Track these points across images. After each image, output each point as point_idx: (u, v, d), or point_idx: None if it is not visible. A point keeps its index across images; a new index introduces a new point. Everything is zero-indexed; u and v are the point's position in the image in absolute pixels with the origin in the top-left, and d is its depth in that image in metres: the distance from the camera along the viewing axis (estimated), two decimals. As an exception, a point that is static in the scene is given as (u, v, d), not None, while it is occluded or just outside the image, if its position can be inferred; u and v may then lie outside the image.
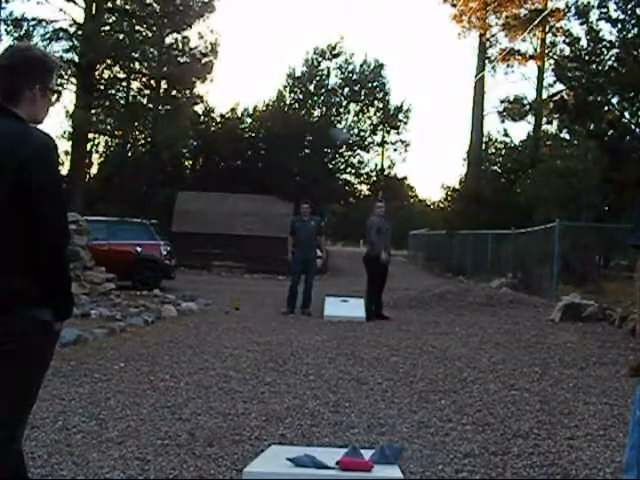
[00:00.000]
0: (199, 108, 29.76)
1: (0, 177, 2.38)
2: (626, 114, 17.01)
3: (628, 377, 2.70)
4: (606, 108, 17.26)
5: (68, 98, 24.66)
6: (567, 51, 18.68)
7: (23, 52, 2.60)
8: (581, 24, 17.40)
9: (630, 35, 16.20)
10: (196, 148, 30.15)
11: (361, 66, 32.79)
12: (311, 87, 31.93)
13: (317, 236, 11.40)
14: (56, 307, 2.50)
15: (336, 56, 32.34)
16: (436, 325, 9.92)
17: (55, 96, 2.74)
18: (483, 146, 30.11)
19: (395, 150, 34.98)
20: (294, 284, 11.03)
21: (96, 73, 24.52)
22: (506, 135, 28.62)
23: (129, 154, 30.27)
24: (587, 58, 17.11)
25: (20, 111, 2.52)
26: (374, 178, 34.24)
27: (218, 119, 30.66)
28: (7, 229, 2.41)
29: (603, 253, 16.20)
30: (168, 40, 26.67)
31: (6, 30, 21.05)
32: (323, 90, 32.15)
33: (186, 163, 31.38)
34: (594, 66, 16.98)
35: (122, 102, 27.95)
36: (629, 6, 16.03)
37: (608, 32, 17.22)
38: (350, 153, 32.64)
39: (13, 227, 2.40)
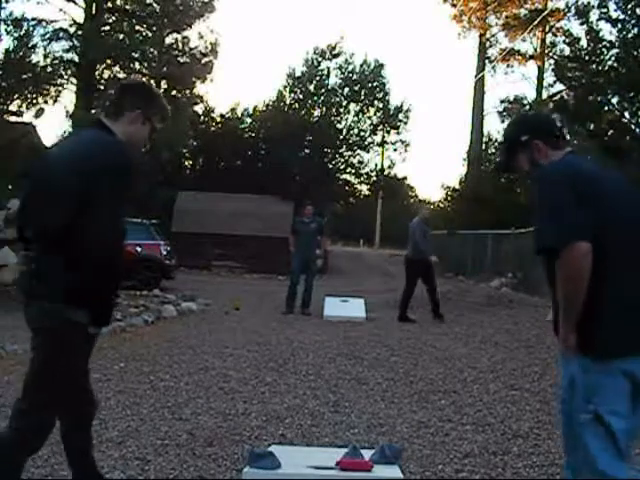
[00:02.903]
0: (199, 108, 29.72)
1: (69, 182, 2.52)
2: (626, 114, 17.01)
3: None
4: (606, 108, 17.25)
5: (68, 98, 24.70)
6: (567, 51, 18.67)
7: (138, 80, 2.99)
8: (581, 24, 17.39)
9: (630, 35, 16.19)
10: (196, 148, 30.12)
11: (361, 66, 32.76)
12: (311, 87, 31.89)
13: (319, 236, 11.45)
14: (94, 312, 2.63)
15: (336, 56, 32.31)
16: (436, 325, 9.92)
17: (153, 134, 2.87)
18: (483, 146, 30.11)
19: (395, 150, 34.93)
20: (293, 284, 11.06)
21: (96, 73, 24.52)
22: (506, 135, 28.62)
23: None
24: (587, 58, 17.11)
25: (115, 127, 2.71)
26: (374, 178, 34.21)
27: (218, 119, 30.63)
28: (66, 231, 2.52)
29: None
30: (168, 40, 26.66)
31: (6, 30, 21.00)
32: (323, 90, 32.12)
33: (186, 163, 31.35)
34: (594, 66, 16.97)
35: (122, 102, 27.96)
36: (629, 6, 16.03)
37: (608, 32, 17.22)
38: (350, 153, 32.62)
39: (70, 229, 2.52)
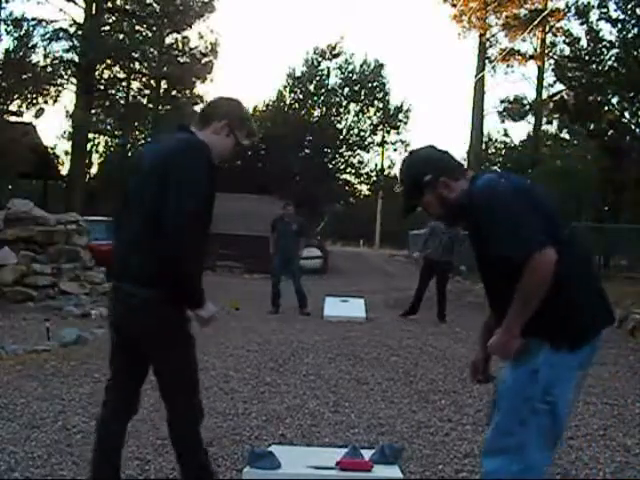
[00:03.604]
0: (199, 108, 29.73)
1: (151, 179, 2.66)
2: (626, 114, 17.03)
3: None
4: (606, 108, 17.27)
5: (68, 98, 24.74)
6: (567, 51, 18.72)
7: (232, 97, 2.99)
8: (581, 24, 17.42)
9: (630, 35, 16.21)
10: (196, 148, 30.16)
11: (361, 66, 32.81)
12: (311, 87, 31.93)
13: (300, 238, 11.46)
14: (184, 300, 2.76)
15: (336, 56, 32.35)
16: (436, 325, 9.92)
17: (237, 148, 2.95)
18: (483, 146, 30.12)
19: (395, 150, 35.01)
20: (275, 284, 11.11)
21: (96, 73, 24.53)
22: (506, 135, 28.74)
23: (129, 154, 30.27)
24: (587, 58, 17.13)
25: (201, 135, 2.81)
26: (374, 178, 34.25)
27: (218, 119, 30.66)
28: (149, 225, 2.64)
29: (603, 253, 16.18)
30: (168, 40, 26.68)
31: (6, 30, 21.02)
32: (323, 90, 32.16)
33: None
34: (594, 66, 16.99)
35: (122, 102, 27.96)
36: (629, 6, 16.05)
37: (608, 32, 17.26)
38: (350, 153, 32.64)
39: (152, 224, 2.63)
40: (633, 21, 16.10)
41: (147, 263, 2.68)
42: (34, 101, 19.87)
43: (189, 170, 2.64)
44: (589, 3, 17.31)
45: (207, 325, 2.84)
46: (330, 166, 31.66)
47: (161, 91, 28.04)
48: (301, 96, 31.82)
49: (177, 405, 2.82)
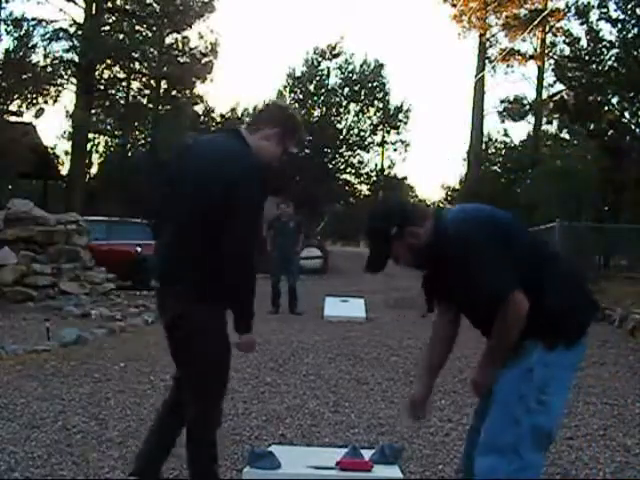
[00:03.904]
0: (199, 108, 29.73)
1: (205, 188, 2.67)
2: (626, 114, 17.03)
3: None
4: (606, 108, 17.27)
5: (68, 98, 24.71)
6: (567, 51, 18.71)
7: (287, 105, 3.04)
8: (581, 24, 17.42)
9: (630, 35, 16.21)
10: (196, 148, 30.14)
11: (361, 66, 32.77)
12: (311, 87, 31.89)
13: (298, 235, 11.50)
14: (235, 319, 2.76)
15: (336, 56, 32.30)
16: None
17: (285, 157, 2.99)
18: (483, 146, 30.10)
19: (395, 150, 34.95)
20: (274, 284, 11.12)
21: (96, 73, 24.50)
22: (506, 135, 28.67)
23: (129, 154, 30.25)
24: (587, 58, 17.13)
25: (251, 139, 2.81)
26: (374, 178, 34.21)
27: (218, 119, 30.62)
28: (203, 236, 2.68)
29: (603, 253, 16.18)
30: (168, 40, 26.63)
31: (6, 30, 20.99)
32: (323, 90, 32.12)
33: (186, 163, 31.35)
34: (594, 66, 16.99)
35: (122, 102, 27.94)
36: (629, 6, 16.05)
37: (608, 32, 17.25)
38: (350, 153, 32.61)
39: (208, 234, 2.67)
40: (633, 21, 16.09)
41: (192, 270, 2.74)
42: (34, 101, 19.85)
43: (249, 199, 2.67)
44: (589, 3, 17.31)
45: (250, 350, 2.92)
46: (330, 166, 31.63)
47: (161, 91, 28.01)
48: (301, 96, 31.78)
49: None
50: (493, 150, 29.45)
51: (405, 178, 41.43)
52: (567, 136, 22.59)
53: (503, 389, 2.51)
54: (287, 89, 31.98)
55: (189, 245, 2.73)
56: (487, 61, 30.70)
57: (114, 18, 24.94)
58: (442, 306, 2.85)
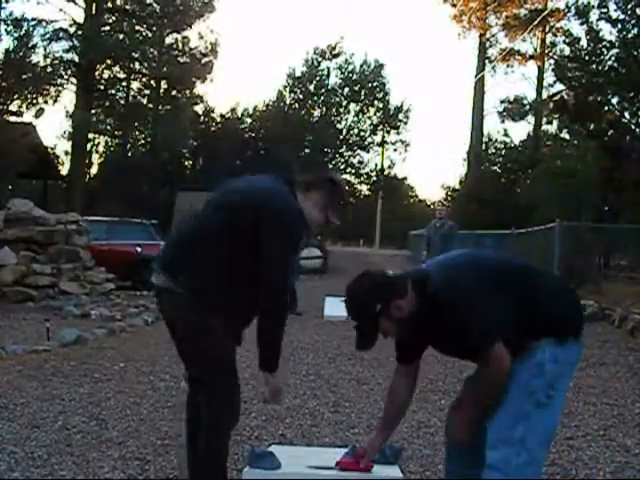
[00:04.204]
0: (199, 108, 29.72)
1: (232, 213, 2.76)
2: (626, 114, 17.01)
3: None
4: (606, 108, 17.25)
5: (68, 98, 24.70)
6: (567, 51, 18.67)
7: (340, 179, 3.18)
8: (581, 24, 17.38)
9: (630, 35, 16.19)
10: (196, 148, 30.12)
11: (361, 66, 32.79)
12: (311, 87, 31.91)
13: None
14: (259, 356, 2.98)
15: (336, 56, 32.33)
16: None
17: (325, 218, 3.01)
18: (483, 146, 30.10)
19: (395, 150, 34.97)
20: None
21: (96, 73, 24.50)
22: (506, 135, 28.60)
23: (129, 154, 30.25)
24: (587, 58, 17.10)
25: (301, 198, 2.89)
26: (374, 178, 34.23)
27: (218, 119, 30.62)
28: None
29: (603, 253, 16.16)
30: (168, 40, 26.65)
31: (6, 30, 20.98)
32: (323, 90, 32.14)
33: (186, 163, 31.36)
34: (594, 66, 16.97)
35: (122, 102, 27.95)
36: (629, 6, 16.02)
37: (608, 32, 17.21)
38: (350, 153, 32.63)
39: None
40: (633, 21, 16.07)
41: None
42: (34, 101, 19.81)
43: (285, 250, 2.79)
44: (589, 3, 17.28)
45: (276, 399, 3.07)
46: (330, 166, 31.64)
47: (161, 91, 28.01)
48: (301, 96, 31.79)
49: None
50: (493, 150, 29.42)
51: (405, 178, 41.62)
52: (567, 136, 22.56)
53: (514, 383, 2.55)
54: (287, 89, 32.01)
55: (204, 247, 2.78)
56: (487, 61, 30.72)
57: (114, 18, 24.94)
58: (402, 367, 3.06)
